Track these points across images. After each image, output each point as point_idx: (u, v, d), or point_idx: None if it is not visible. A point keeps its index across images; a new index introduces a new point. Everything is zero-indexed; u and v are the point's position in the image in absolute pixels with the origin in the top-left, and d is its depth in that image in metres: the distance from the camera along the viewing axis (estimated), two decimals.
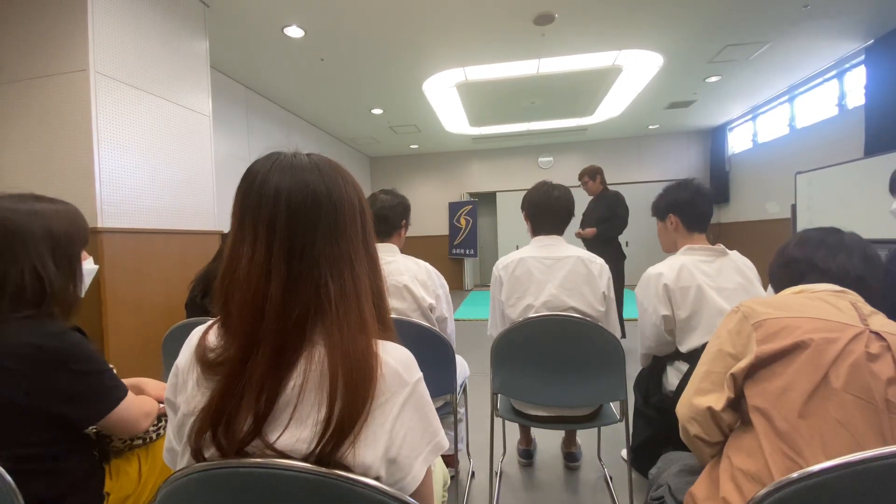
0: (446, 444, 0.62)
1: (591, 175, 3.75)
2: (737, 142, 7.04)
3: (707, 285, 1.45)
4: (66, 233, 0.96)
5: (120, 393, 0.94)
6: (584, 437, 2.19)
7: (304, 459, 0.53)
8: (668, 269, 1.51)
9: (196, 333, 0.62)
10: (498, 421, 1.63)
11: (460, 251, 8.30)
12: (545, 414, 1.58)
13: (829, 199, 4.49)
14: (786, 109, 5.77)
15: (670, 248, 1.66)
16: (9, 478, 0.63)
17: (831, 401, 0.70)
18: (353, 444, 0.53)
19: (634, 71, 4.67)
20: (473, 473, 1.97)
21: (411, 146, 7.90)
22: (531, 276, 1.63)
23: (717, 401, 0.83)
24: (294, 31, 3.47)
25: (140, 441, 1.11)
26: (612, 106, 5.93)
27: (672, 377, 1.52)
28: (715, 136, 7.36)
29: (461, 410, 1.87)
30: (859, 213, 4.03)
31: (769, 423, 0.74)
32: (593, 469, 1.99)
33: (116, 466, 1.06)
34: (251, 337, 0.55)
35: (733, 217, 7.05)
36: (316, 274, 0.58)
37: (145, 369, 2.22)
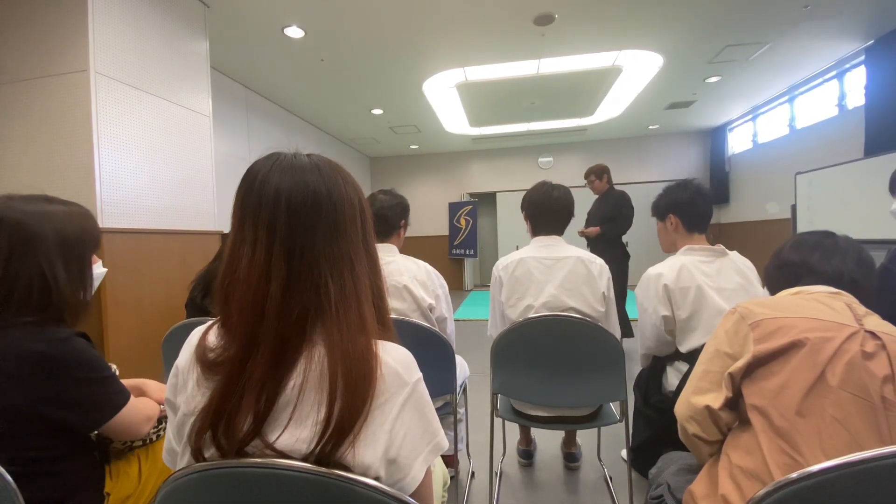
0: (446, 445, 0.62)
1: (598, 174, 3.71)
2: (737, 142, 7.04)
3: (707, 286, 1.45)
4: (77, 236, 0.95)
5: (122, 399, 0.94)
6: (584, 437, 2.19)
7: (304, 459, 0.53)
8: (668, 269, 1.51)
9: (196, 333, 0.62)
10: (498, 421, 1.63)
11: (460, 251, 8.30)
12: (545, 414, 1.58)
13: (830, 199, 4.49)
14: (786, 110, 5.77)
15: (670, 249, 1.66)
16: (9, 478, 0.63)
17: (828, 398, 0.71)
18: (353, 444, 0.53)
19: (634, 71, 4.67)
20: (473, 474, 1.97)
21: (411, 146, 7.90)
22: (531, 277, 1.63)
23: (716, 400, 0.84)
24: (294, 32, 3.47)
25: (140, 442, 1.11)
26: (612, 106, 5.93)
27: (672, 377, 1.52)
28: (715, 137, 7.36)
29: (461, 411, 1.87)
30: (859, 214, 4.03)
31: (767, 420, 0.74)
32: (593, 469, 1.99)
33: (116, 467, 1.06)
34: (251, 337, 0.55)
35: (733, 217, 7.05)
36: (316, 274, 0.58)
37: (145, 369, 2.22)
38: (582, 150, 8.06)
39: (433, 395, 0.66)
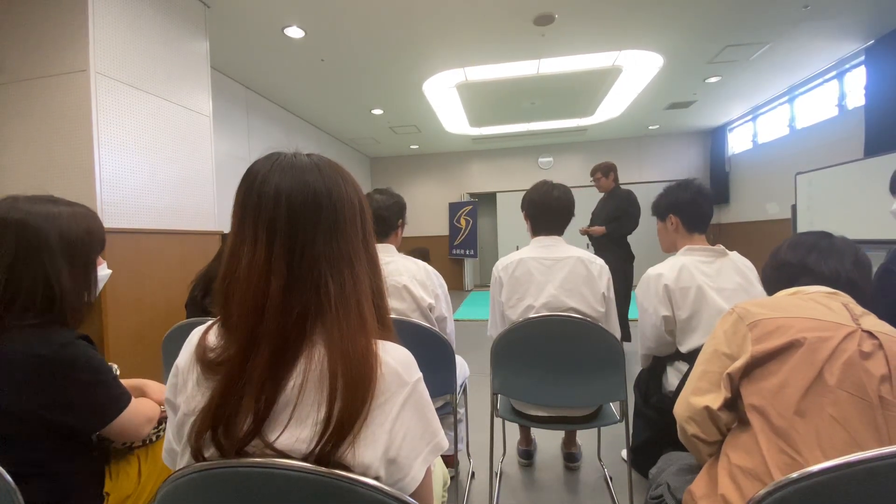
0: (446, 445, 0.62)
1: (605, 171, 3.65)
2: (737, 142, 7.04)
3: (707, 286, 1.45)
4: (82, 238, 0.94)
5: (124, 401, 0.94)
6: (584, 437, 2.19)
7: (304, 459, 0.53)
8: (668, 269, 1.51)
9: (196, 333, 0.62)
10: (498, 421, 1.63)
11: (460, 251, 8.30)
12: (545, 414, 1.58)
13: (830, 199, 4.49)
14: (786, 110, 5.77)
15: (670, 249, 1.66)
16: (8, 477, 0.63)
17: (826, 398, 0.71)
18: (353, 444, 0.53)
19: (634, 71, 4.68)
20: (473, 474, 1.97)
21: (411, 146, 7.90)
22: (531, 277, 1.63)
23: (714, 400, 0.84)
24: (294, 32, 3.47)
25: (140, 442, 1.10)
26: (612, 106, 5.93)
27: (672, 377, 1.52)
28: (715, 137, 7.36)
29: (461, 411, 1.87)
30: (859, 214, 4.03)
31: (766, 420, 0.74)
32: (593, 469, 1.99)
33: (116, 467, 1.06)
34: (251, 337, 0.55)
35: (733, 217, 7.05)
36: (316, 274, 0.58)
37: (145, 369, 2.22)
38: (582, 150, 8.06)
39: (433, 395, 0.66)
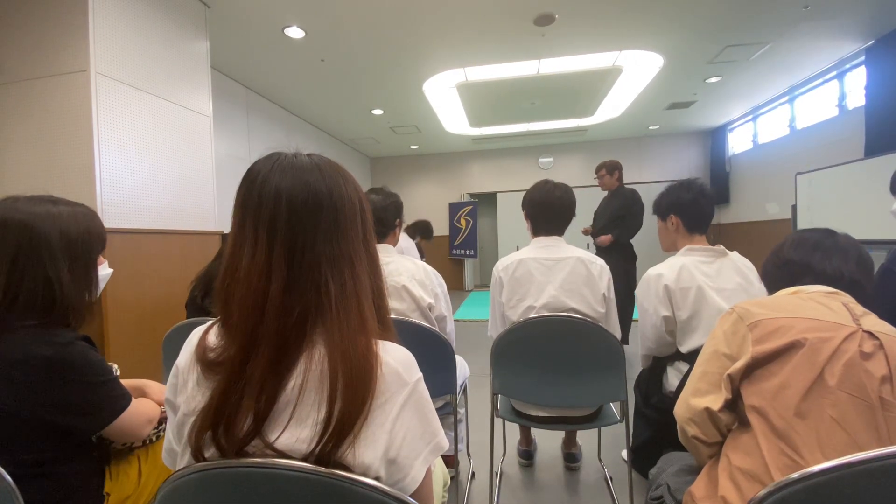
0: (446, 445, 0.62)
1: (610, 169, 3.60)
2: (737, 142, 7.04)
3: (707, 286, 1.45)
4: (83, 237, 0.94)
5: (124, 402, 0.94)
6: (585, 437, 2.19)
7: (304, 459, 0.53)
8: (668, 269, 1.51)
9: (196, 333, 0.62)
10: (498, 421, 1.63)
11: (460, 252, 8.30)
12: (545, 414, 1.57)
13: (830, 199, 4.49)
14: (786, 110, 5.77)
15: (670, 248, 1.66)
16: (8, 478, 0.63)
17: (827, 399, 0.71)
18: (353, 444, 0.53)
19: (635, 72, 4.67)
20: (473, 474, 1.97)
21: (411, 147, 7.90)
22: (531, 278, 1.63)
23: (715, 401, 0.83)
24: (294, 32, 3.47)
25: (140, 443, 1.10)
26: (612, 107, 5.93)
27: (672, 378, 1.52)
28: (715, 137, 7.36)
29: (461, 411, 1.87)
30: (860, 214, 4.03)
31: (766, 421, 0.74)
32: (593, 470, 1.99)
33: (116, 468, 1.06)
34: (251, 336, 0.55)
35: (733, 218, 7.05)
36: (316, 274, 0.58)
37: (145, 370, 2.22)
38: (582, 150, 8.06)
39: (433, 395, 0.66)
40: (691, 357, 1.44)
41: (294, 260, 0.58)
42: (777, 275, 1.02)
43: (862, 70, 4.32)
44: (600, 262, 1.65)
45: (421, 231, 4.68)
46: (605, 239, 3.49)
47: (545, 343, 1.48)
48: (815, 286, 0.91)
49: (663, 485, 0.99)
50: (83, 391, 0.86)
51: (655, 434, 1.59)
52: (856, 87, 4.63)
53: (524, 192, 1.79)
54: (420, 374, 0.61)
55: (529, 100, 5.48)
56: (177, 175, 2.60)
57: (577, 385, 1.49)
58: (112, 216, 2.17)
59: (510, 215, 8.15)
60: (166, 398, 0.63)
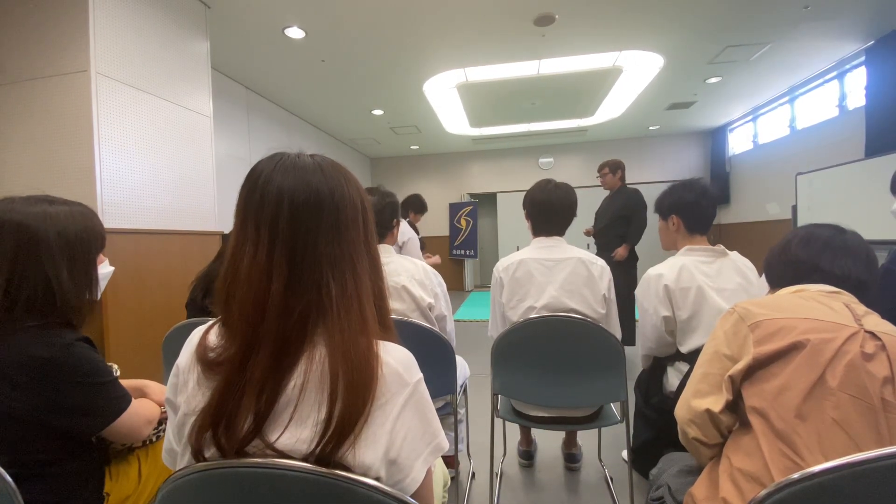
0: (446, 446, 0.62)
1: (613, 168, 3.58)
2: (737, 143, 7.04)
3: (707, 286, 1.45)
4: (81, 236, 0.94)
5: (124, 403, 0.94)
6: (585, 437, 2.19)
7: (304, 459, 0.53)
8: (668, 269, 1.51)
9: (197, 333, 0.62)
10: (498, 422, 1.63)
11: (460, 252, 8.30)
12: (546, 415, 1.57)
13: (830, 200, 4.48)
14: (786, 110, 5.77)
15: (670, 247, 1.66)
16: (8, 478, 0.63)
17: (828, 400, 0.70)
18: (354, 445, 0.53)
19: (635, 72, 4.67)
20: (474, 474, 1.97)
21: (412, 147, 7.90)
22: (532, 278, 1.63)
23: (716, 403, 0.83)
24: (295, 32, 3.47)
25: (140, 443, 1.10)
26: (612, 107, 5.93)
27: (672, 378, 1.52)
28: (715, 137, 7.36)
29: (461, 411, 1.86)
30: (860, 214, 4.02)
31: (767, 423, 0.74)
32: (594, 470, 1.99)
33: (116, 468, 1.06)
34: (252, 336, 0.55)
35: (733, 218, 7.04)
36: (318, 274, 0.58)
37: (145, 370, 2.22)
38: (582, 150, 8.06)
39: (433, 396, 0.66)
40: (691, 357, 1.44)
41: (295, 260, 0.58)
42: (782, 272, 1.00)
43: (862, 70, 4.32)
44: (601, 262, 1.64)
45: (411, 206, 3.92)
46: (623, 252, 3.45)
47: (545, 343, 1.48)
48: (817, 285, 0.90)
49: (664, 486, 0.99)
50: (83, 392, 0.86)
51: (656, 434, 1.59)
52: (856, 87, 4.63)
53: (524, 193, 1.78)
54: (420, 375, 0.61)
55: (530, 100, 5.48)
56: (177, 175, 2.60)
57: (577, 385, 1.48)
58: (112, 216, 2.17)
59: (510, 215, 8.14)
60: (167, 398, 0.63)
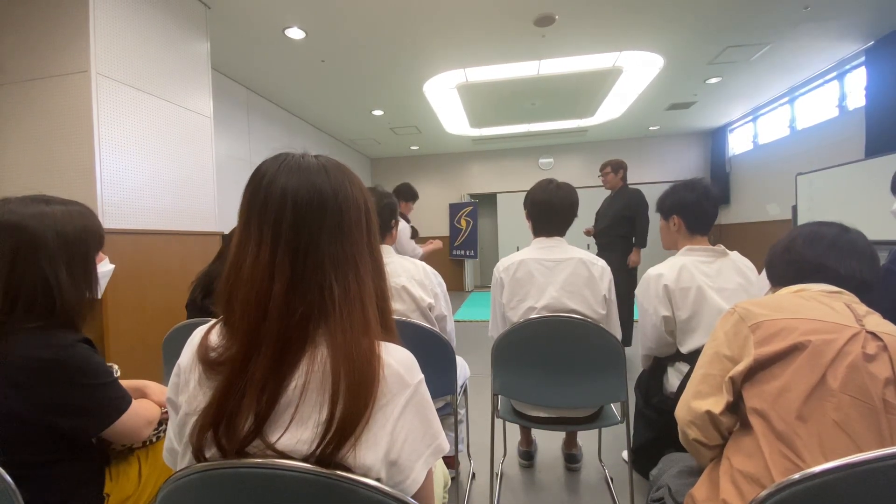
0: (447, 447, 0.62)
1: (615, 168, 3.58)
2: (737, 143, 7.04)
3: (707, 286, 1.45)
4: (79, 236, 0.93)
5: (124, 404, 0.94)
6: (585, 438, 2.19)
7: (305, 460, 0.53)
8: (668, 269, 1.51)
9: (198, 333, 0.62)
10: (498, 422, 1.63)
11: (461, 252, 8.30)
12: (546, 415, 1.57)
13: (830, 200, 4.48)
14: (786, 111, 5.77)
15: (670, 247, 1.66)
16: (9, 478, 0.63)
17: (829, 402, 0.70)
18: (354, 446, 0.53)
19: (635, 72, 4.67)
20: (474, 475, 1.97)
21: (412, 147, 7.90)
22: (532, 279, 1.62)
23: (716, 404, 0.82)
24: (295, 33, 3.47)
25: (140, 443, 1.10)
26: (612, 107, 5.93)
27: (673, 378, 1.52)
28: (715, 138, 7.36)
29: (461, 411, 1.86)
30: (860, 215, 4.02)
31: (767, 424, 0.73)
32: (594, 470, 1.99)
33: (116, 468, 1.05)
34: (254, 336, 0.55)
35: (734, 218, 7.04)
36: (320, 275, 0.58)
37: (146, 370, 2.22)
38: (582, 151, 8.06)
39: (434, 396, 0.66)
40: (691, 357, 1.44)
41: (298, 260, 0.58)
42: (785, 270, 0.99)
43: (862, 71, 4.32)
44: (601, 263, 1.64)
45: (401, 195, 3.65)
46: (636, 259, 3.44)
47: (546, 344, 1.48)
48: (818, 285, 0.89)
49: (664, 486, 0.99)
50: (84, 393, 0.86)
51: (656, 435, 1.59)
52: (856, 87, 4.63)
53: (525, 193, 1.78)
54: (422, 376, 0.61)
55: (530, 100, 5.48)
56: (177, 176, 2.60)
57: (577, 386, 1.48)
58: (112, 217, 2.17)
59: (510, 216, 8.14)
60: (168, 397, 0.63)
